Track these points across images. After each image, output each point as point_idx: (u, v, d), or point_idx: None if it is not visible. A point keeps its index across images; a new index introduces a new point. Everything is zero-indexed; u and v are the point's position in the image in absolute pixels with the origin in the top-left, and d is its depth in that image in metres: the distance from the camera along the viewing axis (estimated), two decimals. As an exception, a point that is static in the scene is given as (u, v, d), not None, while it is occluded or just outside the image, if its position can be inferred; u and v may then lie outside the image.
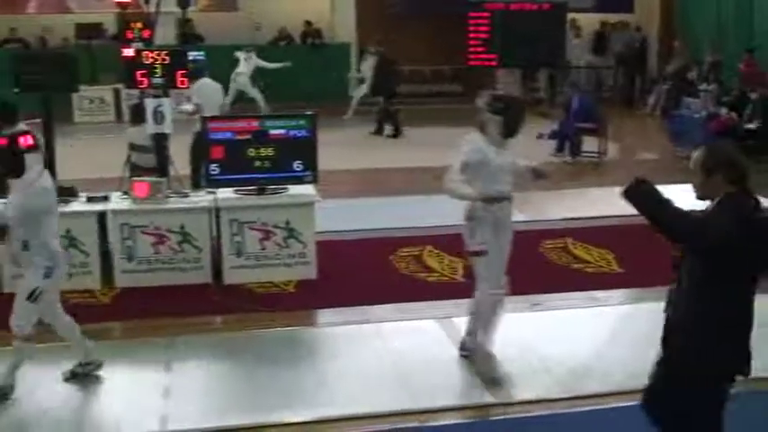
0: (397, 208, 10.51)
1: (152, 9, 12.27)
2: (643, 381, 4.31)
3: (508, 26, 15.66)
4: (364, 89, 17.84)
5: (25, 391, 5.85)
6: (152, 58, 8.57)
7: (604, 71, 21.42)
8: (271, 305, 7.54)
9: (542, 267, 8.48)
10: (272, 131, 8.11)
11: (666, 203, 3.90)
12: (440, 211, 9.53)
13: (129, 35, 15.75)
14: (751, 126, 13.78)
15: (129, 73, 8.91)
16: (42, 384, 5.99)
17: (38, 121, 8.43)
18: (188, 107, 10.69)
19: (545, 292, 7.70)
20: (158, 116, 8.54)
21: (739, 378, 4.11)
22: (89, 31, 18.35)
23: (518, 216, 6.24)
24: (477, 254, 5.99)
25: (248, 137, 8.06)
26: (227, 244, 8.00)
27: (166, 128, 8.65)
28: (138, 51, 8.94)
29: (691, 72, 17.82)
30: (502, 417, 5.66)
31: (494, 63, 16.22)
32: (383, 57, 16.59)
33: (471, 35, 16.13)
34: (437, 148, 13.80)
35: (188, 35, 16.41)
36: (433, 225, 9.44)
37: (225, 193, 8.14)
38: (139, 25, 15.73)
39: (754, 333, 4.09)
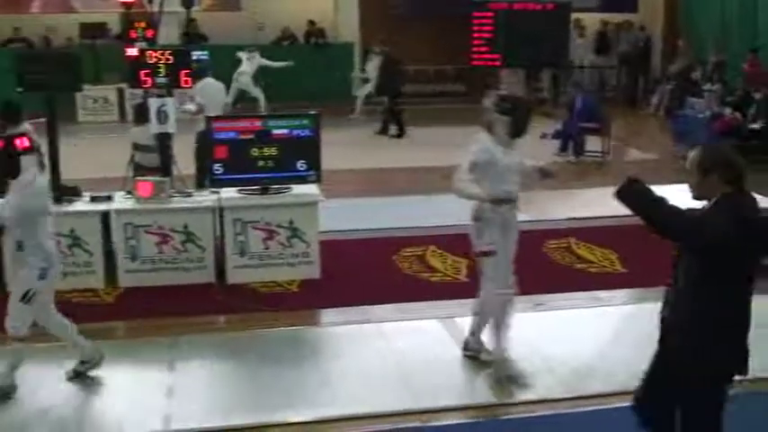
0: (400, 208, 10.51)
1: (155, 9, 12.28)
2: (646, 381, 4.31)
3: (512, 26, 15.61)
4: (368, 89, 17.86)
5: (28, 391, 5.87)
6: (156, 57, 8.56)
7: (607, 71, 21.42)
8: (274, 305, 7.54)
9: (546, 267, 8.47)
10: (276, 131, 8.11)
11: (660, 202, 3.90)
12: (443, 211, 9.56)
13: (133, 35, 15.77)
14: (755, 126, 13.76)
15: (132, 72, 8.91)
16: (45, 384, 6.00)
17: (42, 120, 8.44)
18: (191, 107, 10.69)
19: (548, 292, 7.70)
20: (162, 116, 8.54)
21: (737, 378, 4.10)
22: (93, 30, 18.35)
23: (521, 216, 6.24)
24: (485, 254, 5.99)
25: (252, 136, 8.07)
26: (231, 243, 8.00)
27: (170, 127, 8.65)
28: (142, 51, 8.94)
29: (695, 72, 17.80)
30: (505, 417, 5.67)
31: (497, 63, 16.17)
32: (388, 57, 16.59)
33: (475, 35, 16.08)
34: (440, 147, 13.88)
35: (192, 35, 16.42)
36: (437, 225, 9.45)
37: (228, 193, 8.15)
38: (143, 25, 15.75)
39: (753, 333, 4.09)
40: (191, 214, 8.00)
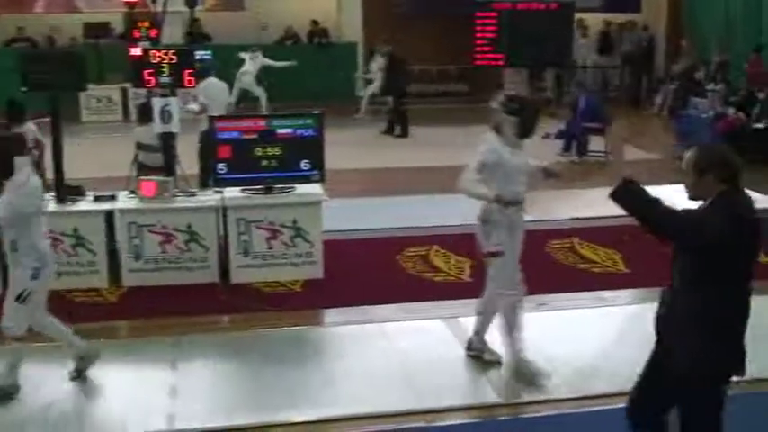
0: (403, 208, 10.51)
1: (159, 8, 12.28)
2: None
3: (515, 26, 15.60)
4: (372, 88, 17.86)
5: (30, 390, 5.87)
6: (159, 57, 8.57)
7: (610, 71, 21.41)
8: (277, 304, 7.54)
9: (549, 267, 8.47)
10: (279, 131, 8.11)
11: (655, 202, 3.90)
12: (446, 211, 9.57)
13: (137, 34, 15.80)
14: (759, 126, 13.74)
15: (136, 72, 8.92)
16: (48, 383, 6.01)
17: (45, 119, 8.45)
18: (194, 107, 10.70)
19: (552, 293, 7.69)
20: (165, 115, 8.54)
21: (735, 379, 4.09)
22: (97, 30, 18.36)
23: (525, 216, 6.23)
24: (493, 255, 5.99)
25: (255, 136, 8.07)
26: (234, 243, 8.00)
27: (174, 127, 8.66)
28: (146, 51, 8.95)
29: (698, 72, 17.78)
30: (509, 417, 5.66)
31: (501, 63, 16.16)
32: (393, 56, 16.59)
33: (478, 35, 16.07)
34: (444, 147, 13.90)
35: (195, 34, 16.43)
36: (440, 225, 9.46)
37: (232, 193, 8.15)
38: (146, 24, 15.77)
39: (752, 334, 4.07)
40: (194, 214, 8.01)
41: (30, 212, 5.62)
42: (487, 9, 16.03)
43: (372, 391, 5.91)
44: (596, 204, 10.06)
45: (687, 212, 3.93)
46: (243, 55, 17.56)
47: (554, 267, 8.52)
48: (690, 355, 3.96)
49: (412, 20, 19.47)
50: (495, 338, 6.32)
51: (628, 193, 3.92)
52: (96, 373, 6.14)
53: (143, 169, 9.53)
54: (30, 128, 10.13)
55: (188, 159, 9.95)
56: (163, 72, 8.53)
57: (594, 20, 21.20)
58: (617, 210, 4.00)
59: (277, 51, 18.88)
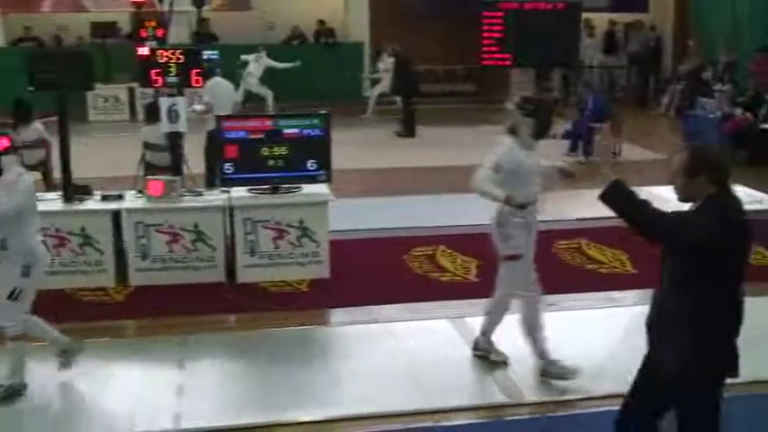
0: (410, 207, 10.51)
1: (166, 8, 12.31)
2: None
3: (522, 26, 15.59)
4: (379, 88, 17.86)
5: (37, 388, 5.88)
6: (167, 57, 8.58)
7: (616, 71, 21.38)
8: (284, 304, 7.55)
9: (556, 268, 8.44)
10: (286, 130, 8.11)
11: (644, 204, 3.90)
12: (453, 211, 9.58)
13: (143, 34, 15.83)
14: (766, 126, 13.70)
15: (143, 72, 8.93)
16: (54, 381, 6.03)
17: (53, 119, 8.47)
18: (198, 107, 10.69)
19: (559, 293, 7.67)
20: (173, 115, 8.55)
21: (729, 381, 4.07)
22: (104, 29, 18.42)
23: (538, 216, 6.22)
24: (513, 258, 5.98)
25: (262, 136, 8.07)
26: (241, 243, 8.01)
27: (181, 126, 8.66)
28: (153, 50, 8.96)
29: (705, 72, 17.73)
30: (515, 417, 5.66)
31: (508, 63, 16.16)
32: (400, 57, 16.58)
33: (485, 35, 16.07)
34: (451, 147, 13.90)
35: (202, 34, 16.45)
36: (447, 225, 9.46)
37: (239, 192, 8.15)
38: (153, 24, 15.81)
39: (747, 336, 4.05)
40: (201, 213, 8.01)
41: (27, 211, 5.60)
42: (494, 9, 16.02)
43: (379, 391, 5.90)
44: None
45: (676, 214, 3.92)
46: (246, 58, 17.54)
47: (561, 268, 8.50)
48: (680, 357, 3.94)
49: (419, 19, 19.47)
50: (501, 339, 6.32)
51: (617, 195, 3.94)
52: (104, 372, 6.16)
53: (150, 169, 9.55)
54: (37, 127, 10.19)
55: (195, 159, 9.96)
56: (170, 72, 8.54)
57: (600, 20, 21.18)
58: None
59: (283, 51, 18.91)
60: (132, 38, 17.25)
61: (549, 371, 6.01)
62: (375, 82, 18.41)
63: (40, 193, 8.16)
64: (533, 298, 6.02)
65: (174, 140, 8.88)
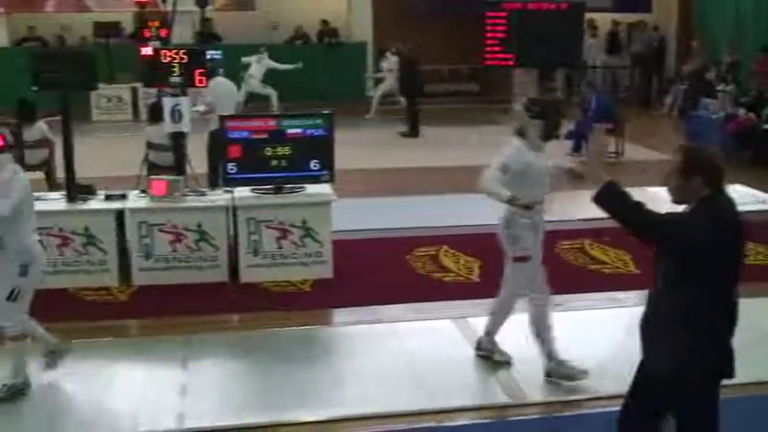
0: (413, 207, 10.51)
1: (169, 8, 12.30)
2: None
3: (525, 26, 15.54)
4: (383, 88, 17.86)
5: (40, 389, 5.89)
6: (170, 57, 8.58)
7: (619, 71, 21.36)
8: (287, 304, 7.55)
9: (559, 268, 8.40)
10: (289, 131, 8.11)
11: (638, 205, 3.89)
12: (456, 211, 9.58)
13: (147, 34, 15.85)
14: (769, 127, 13.71)
15: (146, 72, 8.92)
16: (59, 381, 6.03)
17: (56, 118, 8.48)
18: (200, 107, 10.69)
19: (562, 293, 7.66)
20: (176, 115, 8.55)
21: (725, 382, 4.06)
22: (107, 29, 18.43)
23: (545, 216, 6.22)
24: (522, 260, 5.98)
25: (265, 136, 8.07)
26: (244, 243, 8.01)
27: (184, 126, 8.67)
28: (157, 50, 8.96)
29: (708, 72, 17.72)
30: (519, 417, 5.65)
31: (511, 63, 16.10)
32: (405, 56, 16.57)
33: (488, 35, 16.02)
34: (454, 147, 13.89)
35: (205, 34, 16.46)
36: (450, 225, 9.45)
37: (242, 192, 8.16)
38: (156, 24, 15.82)
39: (744, 337, 4.04)
40: (204, 213, 8.02)
41: (26, 210, 5.60)
42: (498, 9, 15.99)
43: (382, 391, 5.90)
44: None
45: (670, 215, 3.91)
46: (247, 59, 17.53)
47: (564, 268, 8.48)
48: (674, 357, 3.93)
49: (422, 19, 19.46)
50: (504, 339, 6.32)
51: (611, 196, 3.93)
52: (107, 371, 6.17)
53: (153, 168, 9.57)
54: (40, 127, 10.21)
55: (198, 159, 9.97)
56: (173, 72, 8.54)
57: (603, 20, 21.17)
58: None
59: (287, 51, 18.92)
60: (135, 38, 17.28)
61: (557, 371, 6.00)
62: (378, 82, 18.41)
63: (43, 193, 8.24)
64: (542, 299, 6.01)
65: (178, 140, 8.89)
